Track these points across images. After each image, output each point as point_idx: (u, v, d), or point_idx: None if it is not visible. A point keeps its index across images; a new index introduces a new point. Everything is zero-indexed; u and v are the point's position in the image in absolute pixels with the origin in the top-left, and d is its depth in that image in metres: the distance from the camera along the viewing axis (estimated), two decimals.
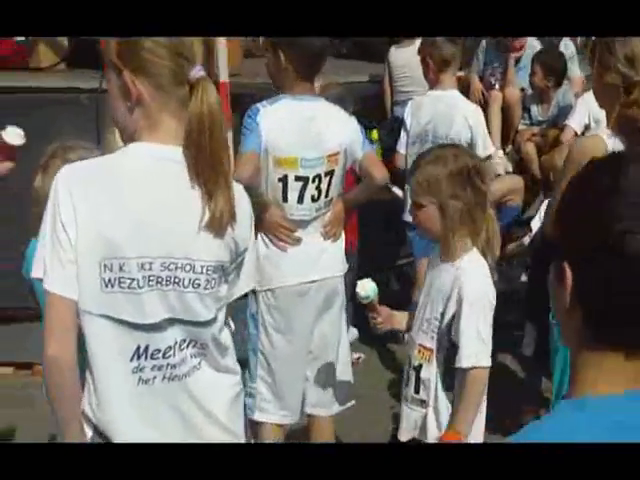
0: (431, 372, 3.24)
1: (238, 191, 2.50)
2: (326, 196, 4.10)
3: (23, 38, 7.00)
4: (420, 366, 3.27)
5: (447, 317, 3.19)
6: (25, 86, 6.07)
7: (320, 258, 4.17)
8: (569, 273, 1.43)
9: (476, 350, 3.08)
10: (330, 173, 4.07)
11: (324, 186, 4.07)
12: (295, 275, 4.13)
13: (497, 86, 7.12)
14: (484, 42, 7.36)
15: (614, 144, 3.57)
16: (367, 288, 3.45)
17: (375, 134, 6.34)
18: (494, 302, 3.18)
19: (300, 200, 4.05)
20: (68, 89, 6.00)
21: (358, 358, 5.69)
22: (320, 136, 4.01)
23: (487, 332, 3.12)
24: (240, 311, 4.14)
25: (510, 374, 5.73)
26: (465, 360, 3.09)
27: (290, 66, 3.99)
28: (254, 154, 3.95)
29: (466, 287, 3.14)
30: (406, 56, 6.72)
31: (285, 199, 4.05)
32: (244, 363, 4.30)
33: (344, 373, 4.34)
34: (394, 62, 6.89)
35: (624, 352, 1.43)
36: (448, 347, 3.18)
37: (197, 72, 2.32)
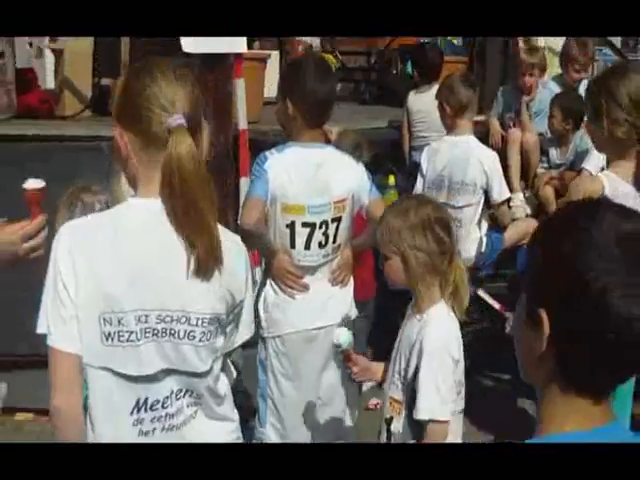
0: (400, 425, 3.23)
1: (231, 241, 2.53)
2: (334, 242, 4.14)
3: (52, 87, 7.16)
4: (391, 419, 3.26)
5: (410, 369, 3.19)
6: (50, 134, 6.20)
7: (328, 304, 4.20)
8: (546, 320, 1.47)
9: (433, 404, 3.07)
10: (337, 219, 4.12)
11: (331, 232, 4.12)
12: (303, 321, 4.17)
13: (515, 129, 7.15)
14: (502, 87, 7.41)
15: (612, 186, 3.61)
16: (340, 337, 3.45)
17: (392, 179, 6.38)
18: (457, 356, 3.16)
19: (307, 246, 4.10)
20: (90, 137, 6.11)
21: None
22: (327, 183, 4.07)
23: (446, 386, 3.11)
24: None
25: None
26: (422, 413, 3.08)
27: (298, 114, 4.07)
28: (260, 200, 4.02)
29: (426, 339, 3.14)
30: (424, 101, 6.80)
31: (292, 245, 4.11)
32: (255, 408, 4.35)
33: (351, 419, 4.36)
34: (412, 107, 6.97)
35: (593, 396, 1.47)
36: (412, 400, 3.17)
37: (175, 121, 2.35)
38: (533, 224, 6.74)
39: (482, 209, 5.70)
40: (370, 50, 10.50)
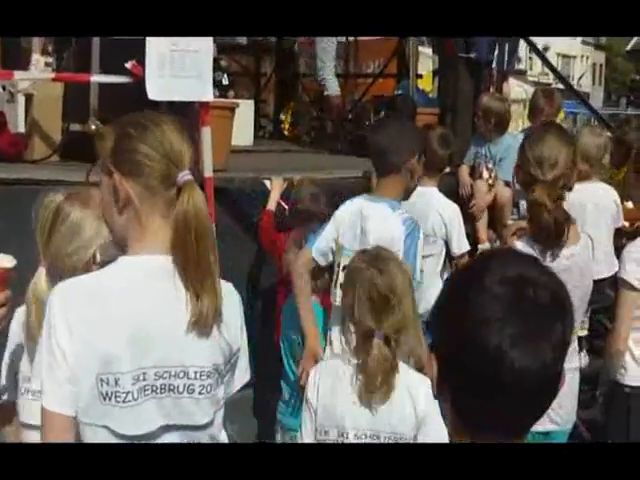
0: None
1: (226, 290, 2.54)
2: None
3: (22, 131, 7.16)
4: None
5: None
6: (18, 178, 6.18)
7: None
8: (435, 364, 1.52)
9: None
10: None
11: None
12: None
13: (486, 176, 7.16)
14: (474, 136, 7.47)
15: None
16: None
17: None
18: None
19: None
20: (56, 181, 6.08)
21: None
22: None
23: None
24: None
25: None
26: None
27: None
28: None
29: None
30: None
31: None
32: None
33: None
34: None
35: (471, 432, 1.50)
36: None
37: (184, 176, 2.41)
38: None
39: (444, 260, 5.69)
40: (344, 100, 10.55)
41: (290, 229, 5.45)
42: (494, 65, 8.55)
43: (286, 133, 10.62)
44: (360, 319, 3.33)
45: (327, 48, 9.43)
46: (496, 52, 8.51)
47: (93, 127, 6.60)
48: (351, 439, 3.28)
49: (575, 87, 63.87)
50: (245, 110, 9.34)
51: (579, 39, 72.04)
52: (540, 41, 66.35)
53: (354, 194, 6.86)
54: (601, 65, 76.99)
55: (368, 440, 3.27)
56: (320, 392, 3.39)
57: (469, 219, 6.68)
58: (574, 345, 3.82)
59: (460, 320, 1.48)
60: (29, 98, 7.01)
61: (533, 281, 1.49)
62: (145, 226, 2.43)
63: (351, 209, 4.49)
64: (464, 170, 7.32)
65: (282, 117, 10.84)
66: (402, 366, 3.35)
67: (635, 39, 75.51)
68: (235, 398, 2.64)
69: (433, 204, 5.59)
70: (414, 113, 7.17)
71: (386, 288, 3.30)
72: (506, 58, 9.13)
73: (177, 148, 2.44)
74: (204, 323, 2.40)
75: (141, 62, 5.63)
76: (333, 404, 3.34)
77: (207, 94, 5.69)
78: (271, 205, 5.80)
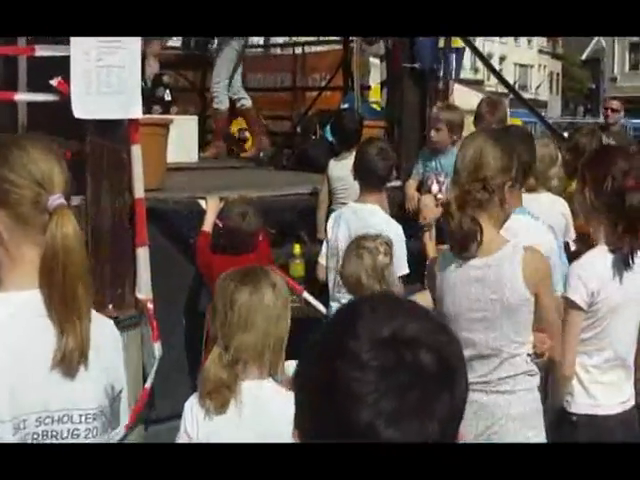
0: None
1: (106, 326, 2.42)
2: None
3: None
4: None
5: None
6: None
7: None
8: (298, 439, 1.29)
9: None
10: None
11: None
12: None
13: (435, 190, 6.97)
14: (422, 150, 7.29)
15: None
16: None
17: (298, 248, 6.17)
18: None
19: None
20: None
21: None
22: None
23: None
24: None
25: None
26: None
27: None
28: None
29: None
30: (345, 168, 6.58)
31: None
32: None
33: None
34: (332, 174, 6.75)
35: None
36: None
37: (55, 200, 2.22)
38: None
39: None
40: (292, 114, 10.37)
41: (224, 250, 5.25)
42: (440, 74, 8.36)
43: (234, 149, 10.39)
44: (213, 327, 3.26)
45: (224, 64, 9.37)
46: (442, 62, 8.33)
47: None
48: None
49: (533, 96, 64.19)
50: (189, 126, 9.14)
51: (535, 48, 72.66)
52: (497, 51, 66.79)
53: (296, 211, 6.75)
54: (558, 74, 77.60)
55: None
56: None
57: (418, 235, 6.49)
58: (525, 367, 3.61)
59: (325, 394, 1.21)
60: None
61: (412, 341, 1.23)
62: (14, 258, 2.25)
63: None
64: (411, 185, 7.14)
65: (230, 132, 10.61)
66: (251, 385, 3.15)
67: (590, 48, 76.34)
68: None
69: (373, 222, 5.37)
70: (359, 128, 6.94)
71: (234, 302, 3.15)
72: (453, 67, 8.99)
73: (46, 171, 2.25)
74: (68, 363, 2.20)
75: (67, 79, 5.39)
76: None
77: (135, 111, 5.45)
78: (207, 226, 5.57)
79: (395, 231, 5.40)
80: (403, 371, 1.19)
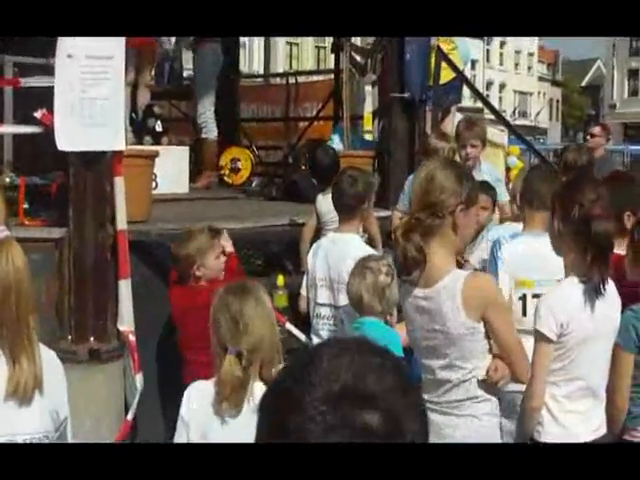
0: None
1: (50, 356, 2.41)
2: None
3: None
4: None
5: None
6: None
7: None
8: None
9: None
10: None
11: None
12: None
13: None
14: (411, 176, 7.27)
15: None
16: None
17: (281, 280, 6.14)
18: None
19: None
20: None
21: None
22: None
23: None
24: None
25: None
26: None
27: None
28: None
29: None
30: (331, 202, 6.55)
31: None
32: None
33: None
34: (321, 209, 6.70)
35: None
36: None
37: (1, 233, 2.25)
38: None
39: None
40: (284, 145, 10.37)
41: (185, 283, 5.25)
42: (430, 104, 8.35)
43: (226, 179, 10.38)
44: (219, 338, 3.51)
45: (207, 92, 9.39)
46: (431, 90, 8.35)
47: (7, 180, 6.36)
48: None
49: (533, 123, 64.21)
50: (180, 156, 9.13)
51: (535, 75, 72.85)
52: (497, 78, 67.03)
53: (282, 243, 6.74)
54: (558, 101, 77.84)
55: None
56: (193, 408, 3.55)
57: None
58: (474, 393, 3.62)
59: (276, 437, 1.19)
60: None
61: (362, 399, 1.19)
62: None
63: None
64: (396, 215, 7.09)
65: (222, 163, 10.61)
66: (259, 385, 3.43)
67: (590, 75, 76.59)
68: None
69: (349, 252, 5.35)
70: (334, 163, 6.91)
71: (235, 312, 3.48)
72: (445, 95, 8.98)
73: None
74: (23, 391, 2.22)
75: (51, 111, 5.40)
76: (200, 418, 3.51)
77: (119, 143, 5.45)
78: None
79: None
80: (348, 429, 1.17)
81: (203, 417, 3.46)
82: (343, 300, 5.30)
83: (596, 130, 10.10)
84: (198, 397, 3.50)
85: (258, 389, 3.40)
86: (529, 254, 4.72)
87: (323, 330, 5.44)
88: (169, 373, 5.34)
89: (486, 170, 7.06)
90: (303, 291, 5.71)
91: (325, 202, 6.66)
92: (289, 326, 5.77)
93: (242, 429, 3.17)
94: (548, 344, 3.71)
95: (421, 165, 4.08)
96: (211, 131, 9.49)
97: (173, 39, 10.96)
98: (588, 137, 10.06)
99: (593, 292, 3.70)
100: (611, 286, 3.79)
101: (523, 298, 4.75)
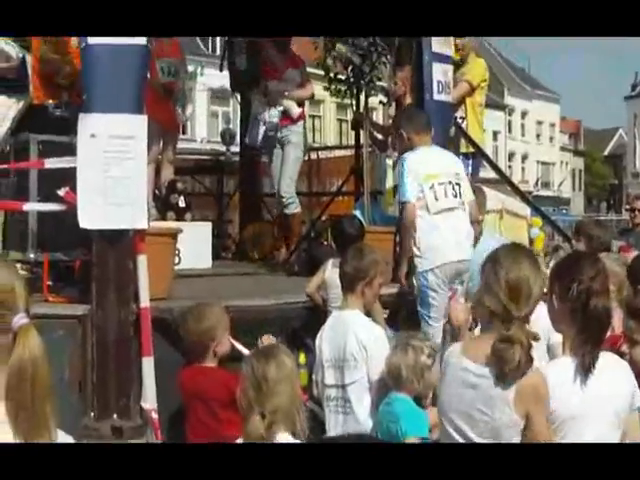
0: None
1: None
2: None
3: None
4: None
5: None
6: None
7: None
8: None
9: None
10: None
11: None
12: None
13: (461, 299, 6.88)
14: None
15: None
16: None
17: (302, 357, 6.12)
18: None
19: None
20: None
21: None
22: None
23: None
24: None
25: None
26: None
27: None
28: None
29: None
30: None
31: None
32: None
33: None
34: (328, 280, 6.68)
35: None
36: None
37: (20, 320, 2.25)
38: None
39: None
40: (305, 219, 10.41)
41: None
42: None
43: (249, 254, 10.44)
44: (245, 400, 3.81)
45: (292, 164, 9.34)
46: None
47: (31, 256, 6.42)
48: None
49: (556, 193, 63.96)
50: (204, 232, 9.19)
51: (557, 145, 72.93)
52: (519, 149, 66.85)
53: (302, 319, 6.71)
54: (580, 170, 77.81)
55: None
56: None
57: None
58: None
59: None
60: None
61: None
62: None
63: None
64: (402, 281, 7.01)
65: (244, 237, 10.67)
66: (284, 437, 3.71)
67: (612, 144, 76.59)
68: None
69: (350, 327, 5.34)
70: (360, 235, 6.91)
71: (259, 376, 3.81)
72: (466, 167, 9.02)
73: (7, 290, 2.29)
74: None
75: (74, 189, 5.47)
76: None
77: (141, 221, 5.50)
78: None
79: (376, 335, 5.41)
80: None
81: None
82: (348, 378, 5.28)
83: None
84: None
85: (283, 440, 3.68)
86: (426, 158, 6.82)
87: (333, 413, 5.40)
88: None
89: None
90: (314, 375, 5.68)
91: (335, 274, 6.61)
92: (311, 405, 5.73)
93: None
94: None
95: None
96: (295, 206, 9.41)
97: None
98: (634, 213, 9.66)
99: (583, 371, 3.57)
100: (613, 366, 3.71)
101: (432, 186, 6.71)
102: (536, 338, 3.55)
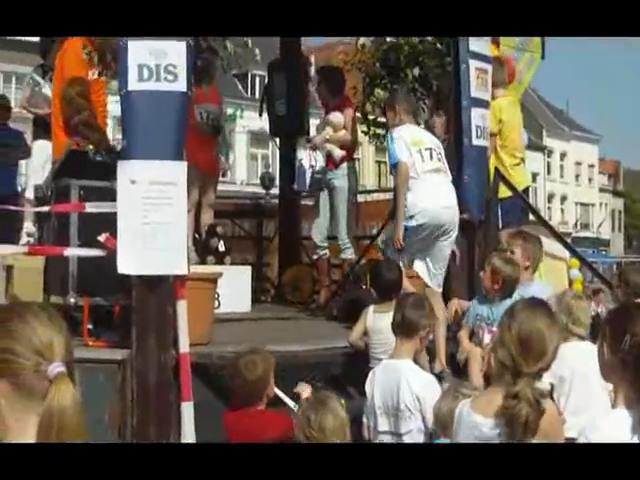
0: None
1: None
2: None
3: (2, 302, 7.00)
4: None
5: None
6: None
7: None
8: None
9: None
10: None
11: None
12: None
13: (487, 340, 6.81)
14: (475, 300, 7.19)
15: None
16: None
17: (343, 403, 6.07)
18: None
19: None
20: None
21: None
22: None
23: None
24: None
25: None
26: None
27: None
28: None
29: None
30: (385, 321, 6.42)
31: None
32: None
33: None
34: (371, 326, 6.62)
35: None
36: None
37: (55, 368, 2.26)
38: None
39: None
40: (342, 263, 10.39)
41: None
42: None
43: (288, 297, 10.43)
44: None
45: (345, 209, 9.45)
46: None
47: (72, 301, 6.45)
48: None
49: (595, 235, 63.50)
50: (243, 276, 9.20)
51: (596, 187, 72.58)
52: (558, 191, 66.71)
53: (343, 365, 6.68)
54: (620, 211, 77.30)
55: None
56: None
57: None
58: None
59: None
60: (9, 270, 6.90)
61: None
62: (9, 426, 2.27)
63: None
64: (464, 335, 6.95)
65: (284, 281, 10.67)
66: None
67: None
68: None
69: (403, 375, 5.33)
70: (399, 277, 6.88)
71: (316, 427, 4.11)
72: (505, 214, 8.96)
73: (46, 339, 2.29)
74: None
75: (114, 234, 5.51)
76: None
77: (181, 267, 5.52)
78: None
79: (428, 382, 5.40)
80: None
81: None
82: (404, 428, 5.26)
83: None
84: None
85: None
86: (413, 130, 7.70)
87: None
88: None
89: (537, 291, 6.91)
90: (364, 419, 5.65)
91: (376, 319, 6.57)
92: None
93: None
94: None
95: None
96: (351, 252, 9.62)
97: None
98: None
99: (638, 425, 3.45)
100: None
101: (419, 150, 7.43)
102: (544, 395, 3.53)
